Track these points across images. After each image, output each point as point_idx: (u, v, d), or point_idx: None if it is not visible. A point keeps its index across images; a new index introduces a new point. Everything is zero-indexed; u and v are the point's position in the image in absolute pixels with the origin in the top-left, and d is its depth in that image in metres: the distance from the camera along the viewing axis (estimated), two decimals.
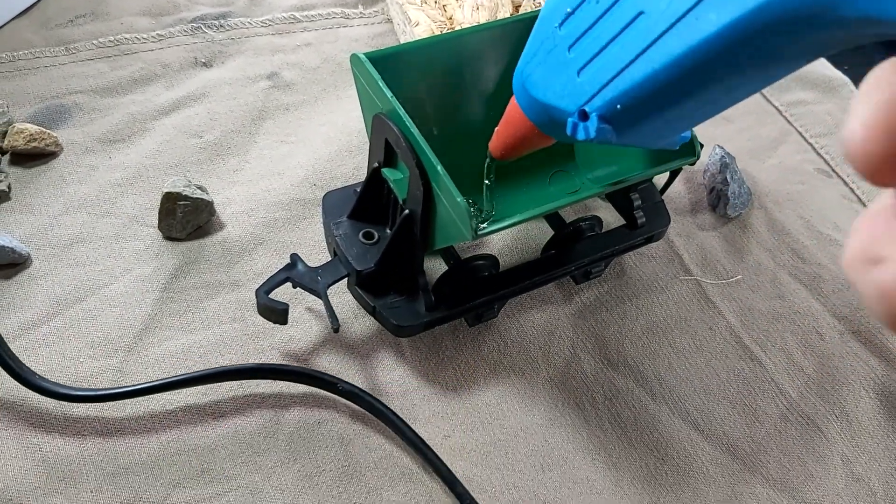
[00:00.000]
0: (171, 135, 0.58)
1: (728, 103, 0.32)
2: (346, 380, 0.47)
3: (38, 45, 0.62)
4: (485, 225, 0.40)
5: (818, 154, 0.64)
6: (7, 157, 0.56)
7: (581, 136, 0.33)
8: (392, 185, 0.46)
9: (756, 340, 0.52)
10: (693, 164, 0.46)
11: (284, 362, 0.48)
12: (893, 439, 0.49)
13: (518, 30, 0.50)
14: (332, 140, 0.59)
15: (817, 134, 0.65)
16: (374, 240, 0.48)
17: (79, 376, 0.46)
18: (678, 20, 0.28)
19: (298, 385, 0.47)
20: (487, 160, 0.45)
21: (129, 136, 0.58)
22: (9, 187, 0.54)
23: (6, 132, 0.56)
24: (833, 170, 0.63)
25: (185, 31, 0.64)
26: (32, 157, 0.56)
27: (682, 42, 0.28)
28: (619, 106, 0.32)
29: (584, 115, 0.33)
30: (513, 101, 0.39)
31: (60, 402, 0.45)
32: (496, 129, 0.42)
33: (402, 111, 0.42)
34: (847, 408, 0.50)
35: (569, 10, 0.33)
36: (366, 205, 0.49)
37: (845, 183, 0.62)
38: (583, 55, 0.33)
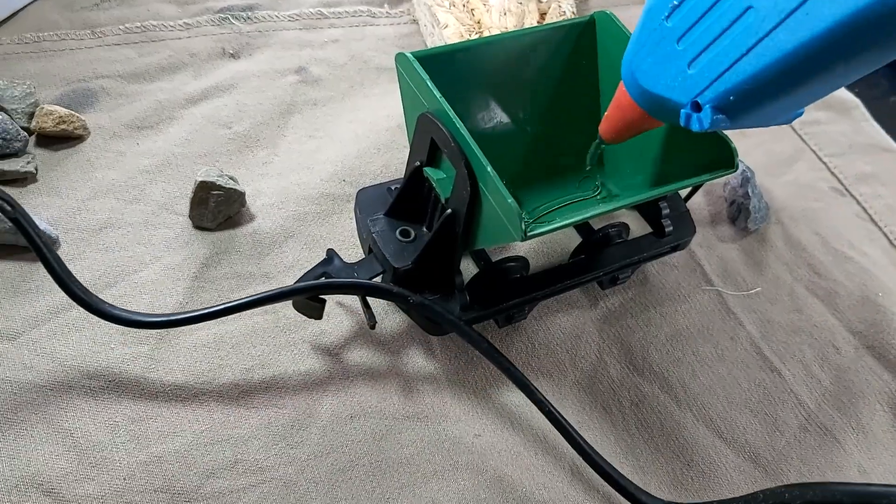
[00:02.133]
0: (199, 124, 0.58)
1: (845, 82, 0.33)
2: (377, 379, 0.47)
3: (64, 28, 0.62)
4: (534, 224, 0.41)
5: (831, 173, 0.65)
6: (33, 138, 0.55)
7: (696, 126, 0.34)
8: (434, 185, 0.46)
9: (775, 352, 0.54)
10: (731, 173, 0.46)
11: (315, 352, 0.48)
12: None
13: (557, 36, 0.51)
14: (361, 137, 0.59)
15: (831, 154, 0.67)
16: (411, 238, 0.49)
17: (109, 362, 0.46)
18: (788, 15, 0.29)
19: (333, 378, 0.47)
20: (595, 144, 0.45)
21: (157, 123, 0.58)
22: (36, 169, 0.53)
23: (33, 113, 0.55)
24: (847, 189, 0.64)
25: (212, 20, 0.64)
26: (59, 139, 0.55)
27: (794, 37, 0.29)
28: (731, 97, 0.32)
29: (697, 107, 0.34)
30: (621, 86, 0.40)
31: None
32: (606, 113, 0.43)
33: (451, 111, 0.43)
34: (863, 420, 0.52)
35: (675, 2, 0.34)
36: (404, 203, 0.49)
37: (858, 202, 0.64)
38: (692, 48, 0.34)
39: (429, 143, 0.46)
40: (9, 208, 0.41)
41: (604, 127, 0.44)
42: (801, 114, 0.38)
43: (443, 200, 0.46)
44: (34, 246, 0.42)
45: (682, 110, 0.35)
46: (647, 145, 0.51)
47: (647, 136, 0.50)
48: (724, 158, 0.46)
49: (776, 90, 0.31)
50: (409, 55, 0.45)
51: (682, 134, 0.48)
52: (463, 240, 0.45)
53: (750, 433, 0.50)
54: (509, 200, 0.40)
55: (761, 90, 0.32)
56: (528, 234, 0.40)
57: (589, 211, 0.43)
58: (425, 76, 0.44)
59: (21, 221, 0.42)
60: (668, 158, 0.50)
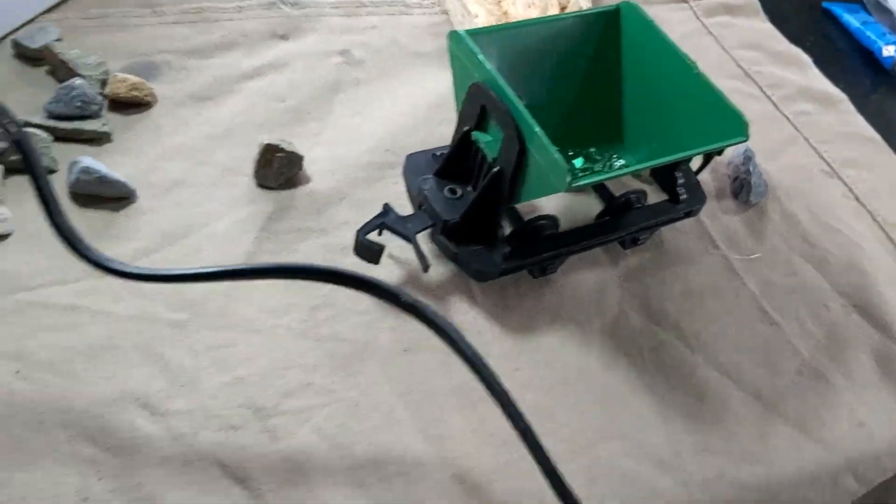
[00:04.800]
0: (255, 98, 0.64)
1: None
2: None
3: (126, 5, 0.67)
4: (577, 177, 0.47)
5: (821, 157, 0.72)
6: (106, 104, 0.60)
7: None
8: (483, 147, 0.52)
9: (775, 308, 0.60)
10: (744, 142, 0.53)
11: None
12: (888, 394, 0.57)
13: (584, 23, 0.58)
14: (401, 113, 0.65)
15: (821, 140, 0.74)
16: (459, 195, 0.55)
17: (192, 297, 0.51)
18: None
19: (388, 316, 0.53)
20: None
21: (217, 95, 0.63)
22: (111, 130, 0.59)
23: (105, 81, 0.61)
24: (835, 172, 0.71)
25: (262, 4, 0.70)
26: (130, 105, 0.61)
27: None
28: None
29: None
30: None
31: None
32: None
33: (501, 79, 0.49)
34: (851, 367, 0.58)
35: None
36: (452, 165, 0.55)
37: (845, 184, 0.71)
38: None
39: (478, 110, 0.52)
40: (13, 129, 0.45)
41: None
42: None
43: (490, 160, 0.52)
44: (30, 168, 0.45)
45: None
46: (664, 121, 0.57)
47: (664, 113, 0.57)
48: (736, 129, 0.52)
49: None
50: (461, 32, 0.51)
51: (697, 109, 0.55)
52: (508, 195, 0.51)
53: (754, 375, 0.56)
54: (556, 155, 0.46)
55: None
56: (573, 185, 0.46)
57: (624, 168, 0.50)
58: (476, 49, 0.50)
59: (22, 144, 0.45)
60: (684, 133, 0.57)
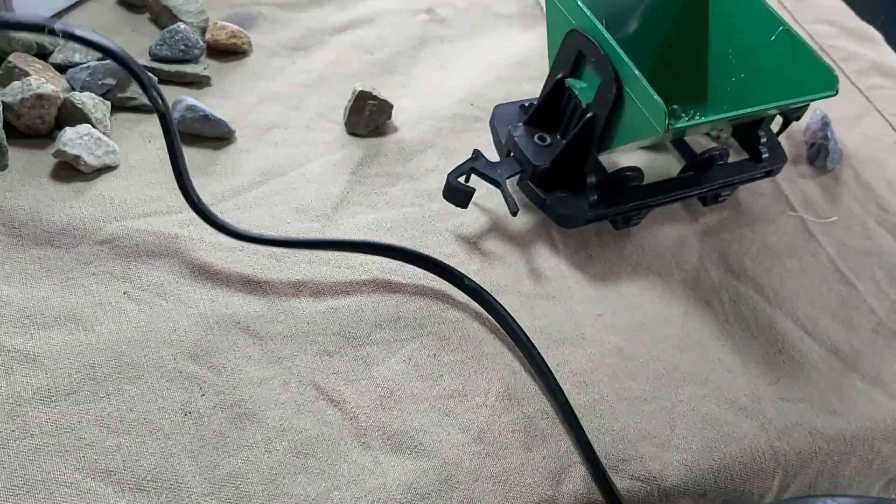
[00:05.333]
0: (345, 50, 0.66)
1: None
2: (510, 265, 0.55)
3: None
4: (675, 119, 0.48)
5: (894, 129, 0.73)
6: (205, 50, 0.63)
7: None
8: (577, 93, 0.53)
9: (851, 269, 0.61)
10: (833, 95, 0.54)
11: (457, 239, 0.55)
12: None
13: None
14: (483, 70, 0.67)
15: (893, 113, 0.74)
16: (548, 143, 0.56)
17: (286, 233, 0.53)
18: None
19: (470, 261, 0.55)
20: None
21: (309, 46, 0.66)
22: (211, 74, 0.61)
23: (205, 28, 0.63)
24: None
25: None
26: (228, 53, 0.63)
27: None
28: None
29: None
30: None
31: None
32: None
33: (600, 24, 0.50)
34: None
35: None
36: (543, 113, 0.56)
37: None
38: None
39: (574, 56, 0.53)
40: (146, 80, 0.48)
41: None
42: None
43: (583, 106, 0.53)
44: (161, 116, 0.49)
45: None
46: (749, 78, 0.58)
47: (751, 70, 0.58)
48: (826, 82, 0.53)
49: None
50: None
51: (785, 64, 0.56)
52: (600, 141, 0.53)
53: (831, 331, 0.57)
54: (655, 97, 0.47)
55: None
56: (671, 126, 0.48)
57: (720, 113, 0.51)
58: None
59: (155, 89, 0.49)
60: (771, 89, 0.57)
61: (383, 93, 0.62)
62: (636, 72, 0.48)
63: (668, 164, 0.63)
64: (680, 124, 0.48)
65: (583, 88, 0.53)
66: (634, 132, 0.51)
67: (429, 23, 0.70)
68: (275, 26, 0.66)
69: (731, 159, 0.60)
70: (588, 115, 0.52)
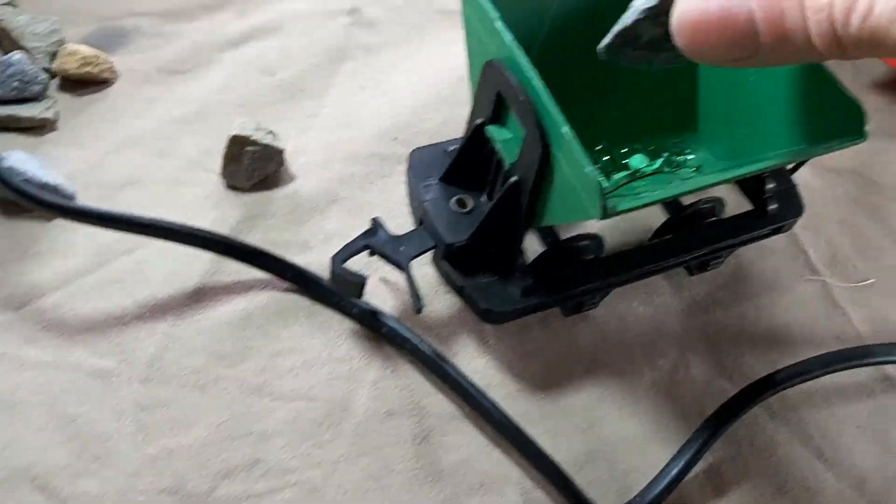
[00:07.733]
0: (240, 70, 0.52)
1: None
2: (419, 372, 0.41)
3: None
4: (616, 199, 0.33)
5: None
6: (57, 81, 0.50)
7: None
8: (498, 147, 0.39)
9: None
10: (860, 142, 0.38)
11: (353, 337, 0.42)
12: None
13: None
14: (418, 90, 0.53)
15: None
16: (469, 209, 0.42)
17: (122, 338, 0.41)
18: None
19: (370, 367, 0.41)
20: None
21: (194, 67, 0.52)
22: (56, 115, 0.48)
23: (56, 53, 0.50)
24: None
25: None
26: (84, 83, 0.50)
27: None
28: None
29: None
30: None
31: None
32: None
33: (523, 58, 0.35)
34: None
35: None
36: (462, 167, 0.42)
37: None
38: None
39: (494, 98, 0.38)
40: None
41: None
42: None
43: (507, 166, 0.39)
44: None
45: None
46: (751, 107, 0.43)
47: (752, 97, 0.43)
48: (851, 124, 0.38)
49: None
50: None
51: (798, 94, 0.40)
52: (528, 214, 0.38)
53: (856, 455, 0.42)
54: (587, 168, 0.32)
55: None
56: (610, 211, 0.33)
57: (682, 185, 0.36)
58: (495, 15, 0.37)
59: None
60: (778, 122, 0.42)
61: (283, 126, 0.49)
62: (564, 128, 0.33)
63: (648, 216, 0.48)
64: (623, 207, 0.33)
65: (506, 141, 0.39)
66: (568, 210, 0.36)
67: (351, 28, 0.55)
68: (153, 42, 0.53)
69: (728, 201, 0.45)
70: (512, 179, 0.38)
